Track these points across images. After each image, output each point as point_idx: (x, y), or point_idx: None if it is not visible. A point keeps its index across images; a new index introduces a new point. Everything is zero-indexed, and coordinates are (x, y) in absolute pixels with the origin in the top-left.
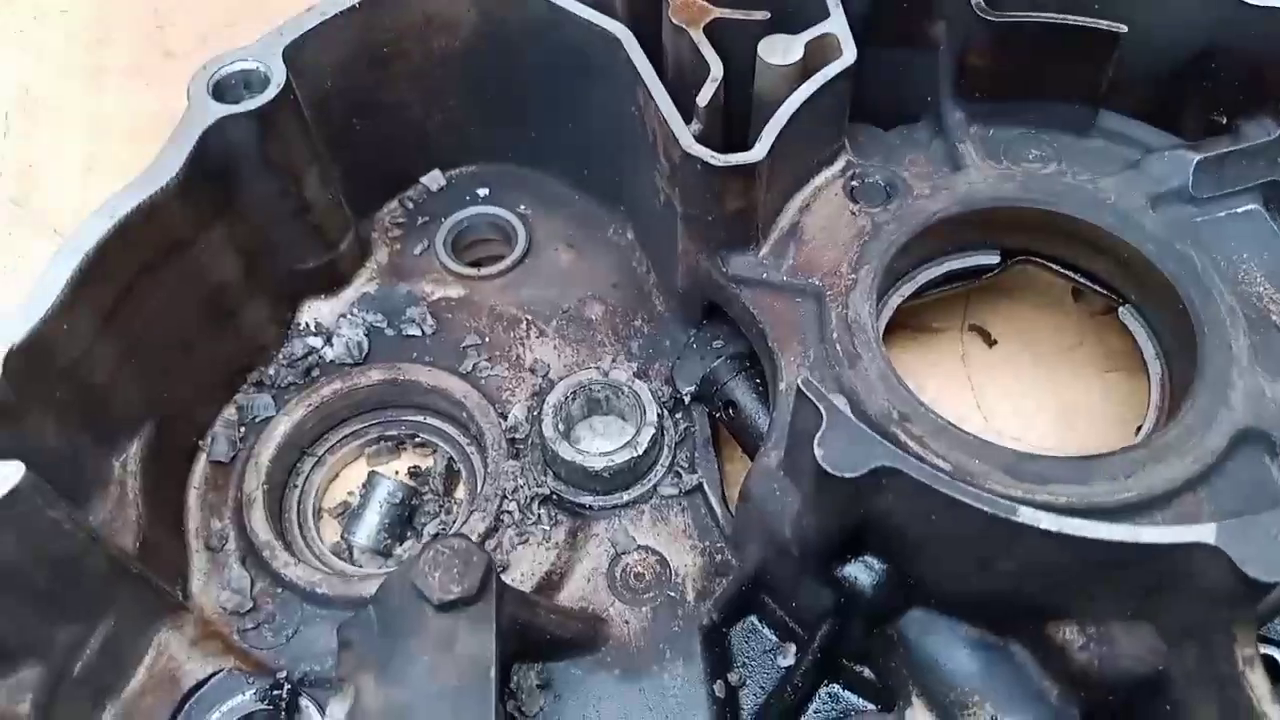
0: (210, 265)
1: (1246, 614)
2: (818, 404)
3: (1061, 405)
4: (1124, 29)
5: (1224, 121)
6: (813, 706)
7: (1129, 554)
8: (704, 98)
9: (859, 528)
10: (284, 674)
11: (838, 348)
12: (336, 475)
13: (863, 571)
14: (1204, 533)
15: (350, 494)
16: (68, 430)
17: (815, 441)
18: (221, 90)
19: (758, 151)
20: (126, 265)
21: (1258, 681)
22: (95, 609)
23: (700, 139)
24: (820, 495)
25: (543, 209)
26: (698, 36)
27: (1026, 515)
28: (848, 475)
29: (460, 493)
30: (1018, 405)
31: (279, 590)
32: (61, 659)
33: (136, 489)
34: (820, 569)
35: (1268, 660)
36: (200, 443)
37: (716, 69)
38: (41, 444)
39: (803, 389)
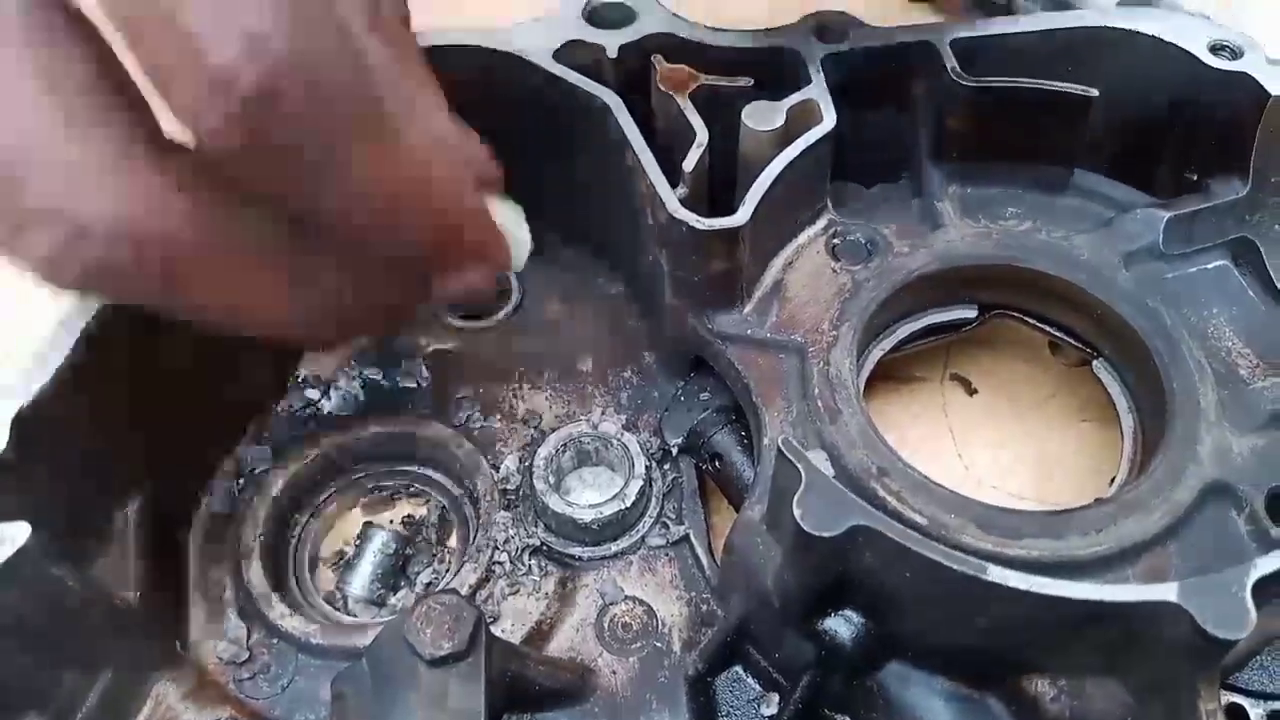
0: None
1: (1209, 669)
2: (796, 464)
3: (1039, 454)
4: (1095, 93)
5: (1195, 179)
6: None
7: (1095, 611)
8: (690, 163)
9: (838, 583)
10: None
11: (819, 403)
12: (332, 526)
13: (842, 625)
14: (1167, 591)
15: (345, 544)
16: (72, 488)
17: (794, 501)
18: None
19: (741, 216)
20: (130, 328)
21: None
22: (95, 660)
23: (686, 203)
24: (799, 553)
25: (535, 261)
26: (684, 103)
27: (995, 574)
28: (825, 535)
29: (453, 541)
30: (997, 455)
31: (275, 640)
32: (62, 709)
33: (137, 541)
34: (801, 622)
35: (1236, 709)
36: (200, 496)
37: (702, 135)
38: (46, 501)
39: (782, 449)
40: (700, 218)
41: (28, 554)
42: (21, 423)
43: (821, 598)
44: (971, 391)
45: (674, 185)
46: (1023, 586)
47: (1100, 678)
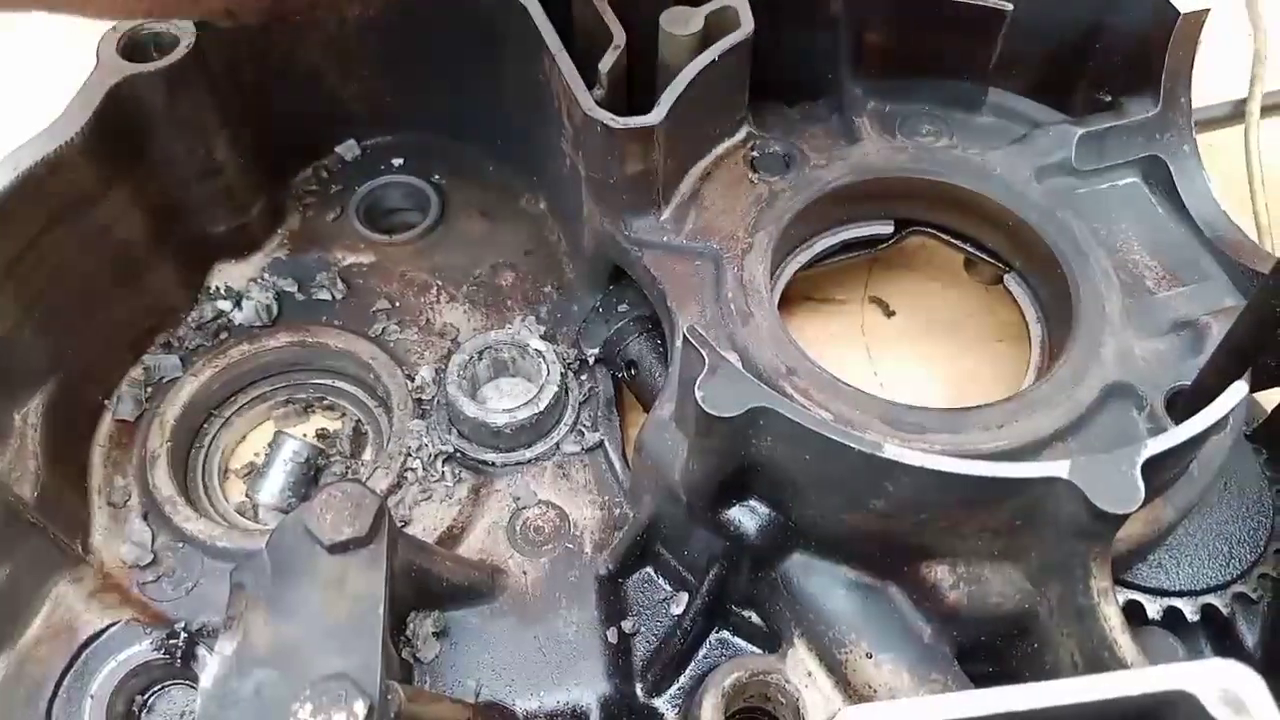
0: (117, 223)
1: (1101, 548)
2: (700, 350)
3: (953, 373)
4: (1009, 7)
5: (1108, 99)
6: (702, 652)
7: (989, 490)
8: (606, 64)
9: (742, 471)
10: (182, 625)
11: (732, 307)
12: (244, 437)
13: (747, 515)
14: (1059, 468)
15: (256, 455)
16: None
17: (696, 384)
18: (131, 50)
19: (655, 115)
20: (29, 218)
21: (1111, 613)
22: None
23: (603, 105)
24: (703, 438)
25: (457, 179)
26: (601, 6)
27: (891, 451)
28: (726, 416)
29: (368, 454)
30: (912, 373)
31: (180, 545)
32: None
33: (37, 441)
34: (707, 514)
35: (1132, 605)
36: (105, 401)
37: (619, 37)
38: None
39: (688, 336)
40: (615, 116)
41: None
42: None
43: (726, 487)
44: (889, 313)
45: (592, 89)
46: (917, 463)
47: (997, 563)
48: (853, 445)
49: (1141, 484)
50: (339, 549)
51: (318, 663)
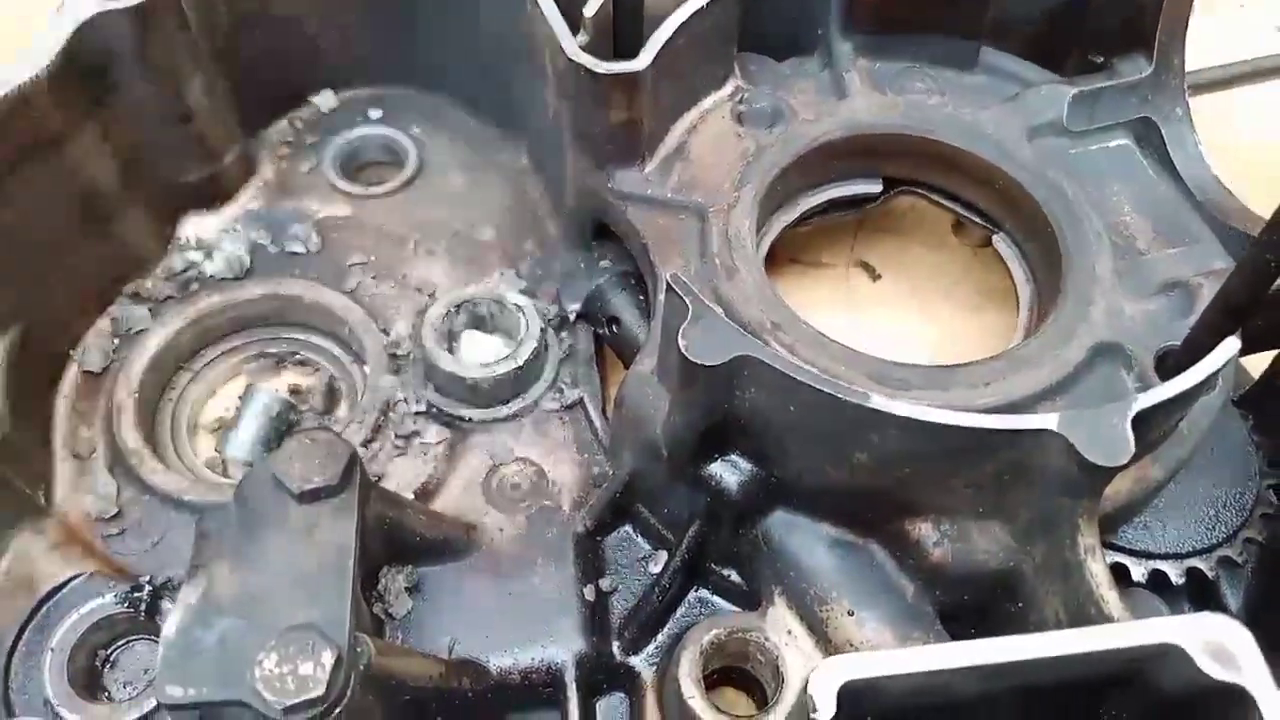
0: (84, 166)
1: (1089, 503)
2: (684, 297)
3: (939, 336)
4: None
5: (1100, 61)
6: (680, 610)
7: (977, 442)
8: (591, 8)
9: (724, 425)
10: (147, 578)
11: (717, 261)
12: (214, 392)
13: (728, 470)
14: (1048, 420)
15: (227, 410)
16: None
17: (679, 332)
18: None
19: (641, 60)
20: None
21: (1098, 569)
22: None
23: (587, 49)
24: (685, 389)
25: (437, 132)
26: None
27: (878, 402)
28: (709, 364)
29: (341, 411)
30: (898, 336)
31: (146, 498)
32: None
33: None
34: (688, 469)
35: (1118, 567)
36: (71, 352)
37: None
38: None
39: (670, 283)
40: (599, 61)
41: None
42: None
43: (707, 441)
44: (876, 277)
45: (576, 36)
46: (903, 413)
47: (983, 520)
48: (839, 395)
49: (1132, 437)
50: (309, 497)
51: (285, 613)
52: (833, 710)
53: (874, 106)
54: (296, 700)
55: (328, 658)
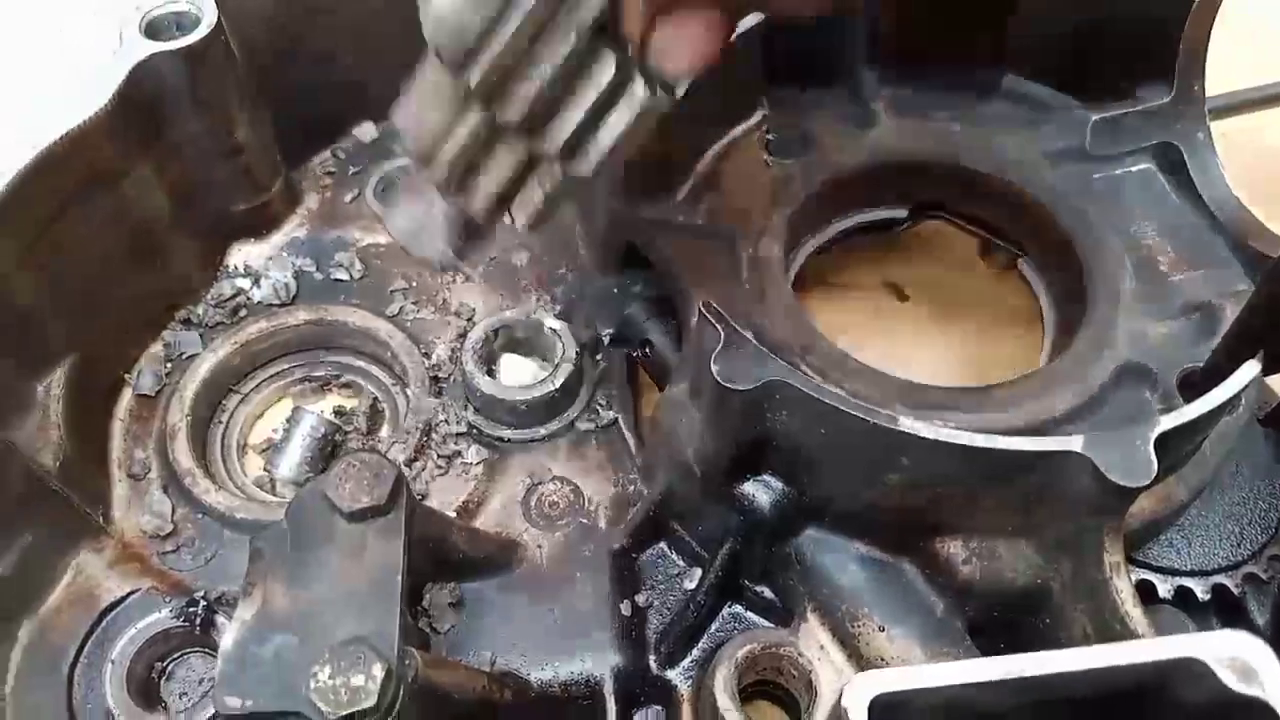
0: (138, 202)
1: (1114, 522)
2: (715, 324)
3: (966, 358)
4: None
5: (1123, 87)
6: (715, 625)
7: (1004, 464)
8: None
9: (757, 445)
10: (201, 593)
11: (746, 286)
12: (262, 414)
13: (761, 490)
14: (1072, 443)
15: (274, 431)
16: None
17: (712, 358)
18: (154, 30)
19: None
20: (51, 194)
21: (1123, 586)
22: (14, 523)
23: None
24: (718, 412)
25: None
26: None
27: (906, 424)
28: (741, 388)
29: (384, 433)
30: (925, 358)
31: (199, 516)
32: None
33: (59, 413)
34: (721, 489)
35: (1144, 584)
36: (126, 376)
37: None
38: None
39: (703, 310)
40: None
41: None
42: None
43: (741, 461)
44: (903, 298)
45: None
46: (932, 436)
47: (1011, 539)
48: (868, 419)
49: (1155, 459)
50: (358, 517)
51: (336, 628)
52: None
53: (899, 134)
54: (349, 710)
55: (378, 670)
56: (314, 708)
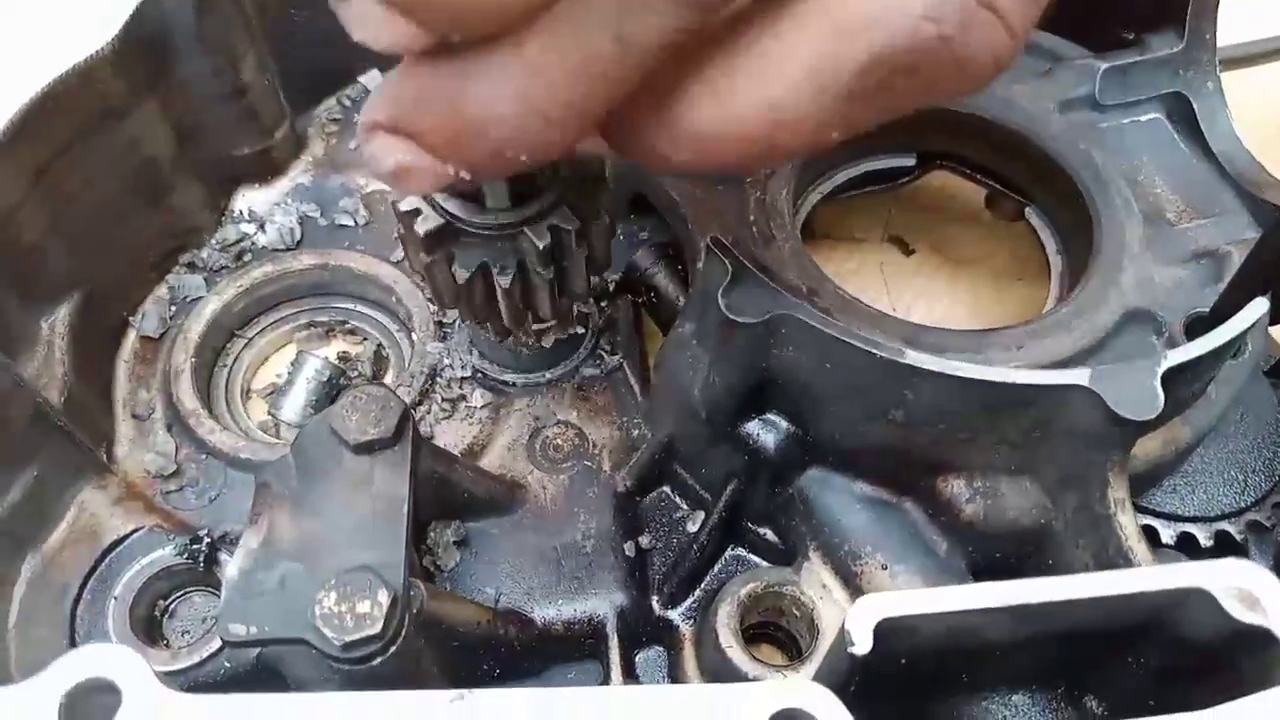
0: (144, 139)
1: (1119, 457)
2: (723, 258)
3: (971, 311)
4: None
5: (1131, 37)
6: (717, 567)
7: (1010, 397)
8: None
9: (762, 385)
10: (204, 531)
11: (754, 230)
12: (266, 359)
13: (765, 429)
14: (1079, 376)
15: (278, 376)
16: None
17: (720, 291)
18: None
19: None
20: (59, 126)
21: (1127, 521)
22: (18, 457)
23: None
24: (724, 349)
25: None
26: None
27: (912, 357)
28: (750, 321)
29: (388, 379)
30: (931, 309)
31: (203, 456)
32: None
33: (64, 349)
34: (725, 429)
35: (1147, 529)
36: (130, 318)
37: None
38: None
39: (710, 245)
40: None
41: None
42: None
43: (745, 401)
44: (909, 251)
45: None
46: (936, 368)
47: (1014, 477)
48: (875, 351)
49: (1161, 392)
50: (364, 449)
51: (342, 556)
52: (869, 645)
53: None
54: (355, 637)
55: (384, 597)
56: (319, 634)
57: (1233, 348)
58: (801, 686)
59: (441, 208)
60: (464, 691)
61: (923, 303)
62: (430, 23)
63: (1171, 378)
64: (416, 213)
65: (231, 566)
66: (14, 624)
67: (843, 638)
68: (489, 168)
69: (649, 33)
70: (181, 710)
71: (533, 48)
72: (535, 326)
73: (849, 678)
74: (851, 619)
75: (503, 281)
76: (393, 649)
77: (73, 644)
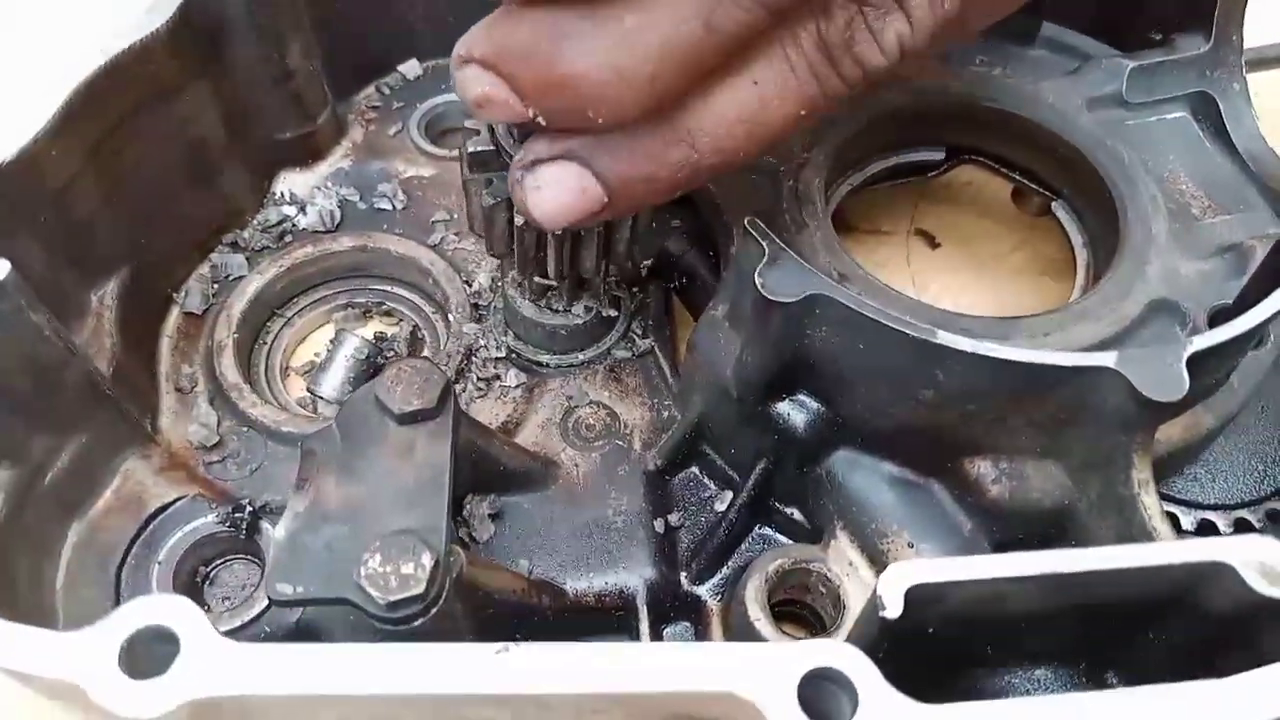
0: (194, 120)
1: (1144, 439)
2: (760, 240)
3: (997, 305)
4: None
5: (1159, 38)
6: (744, 545)
7: (1038, 378)
8: None
9: (793, 365)
10: (246, 500)
11: (786, 218)
12: (305, 337)
13: (795, 409)
14: (1106, 359)
15: (317, 355)
16: (49, 256)
17: (756, 272)
18: None
19: None
20: (114, 103)
21: (1150, 502)
22: (69, 423)
23: None
24: (759, 329)
25: None
26: None
27: (944, 337)
28: (785, 300)
29: None
30: (956, 301)
31: (245, 429)
32: (33, 466)
33: (112, 321)
34: (756, 409)
35: (1169, 516)
36: (174, 294)
37: None
38: (26, 265)
39: (747, 226)
40: None
41: (7, 291)
42: (2, 178)
43: (777, 381)
44: (935, 245)
45: None
46: (968, 348)
47: (1040, 460)
48: (907, 331)
49: (1186, 375)
50: (408, 419)
51: (387, 520)
52: (900, 610)
53: (939, 78)
54: (399, 597)
55: (427, 559)
56: (364, 594)
57: (1256, 335)
58: (835, 646)
59: (495, 136)
60: (508, 644)
61: (948, 296)
62: None
63: (1197, 362)
64: (475, 133)
65: (279, 528)
66: (61, 585)
67: (874, 604)
68: (564, 118)
69: (733, 24)
70: (237, 658)
71: (631, 20)
72: (573, 289)
73: (878, 644)
74: (884, 583)
75: None
76: (434, 610)
77: (117, 604)
